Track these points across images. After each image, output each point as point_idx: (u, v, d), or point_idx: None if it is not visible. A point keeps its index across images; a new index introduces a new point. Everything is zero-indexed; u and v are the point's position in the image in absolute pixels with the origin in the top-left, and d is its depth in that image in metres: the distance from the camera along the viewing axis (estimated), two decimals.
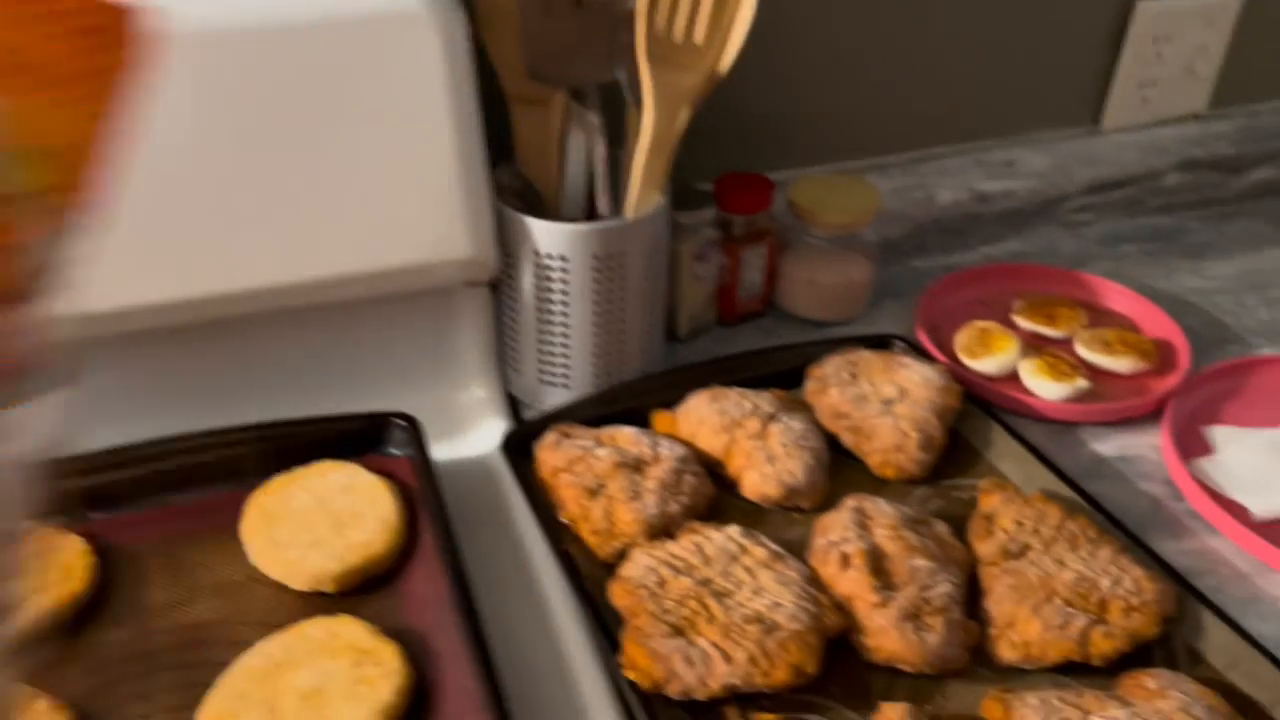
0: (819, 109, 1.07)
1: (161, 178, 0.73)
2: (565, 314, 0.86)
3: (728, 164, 1.02)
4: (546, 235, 0.83)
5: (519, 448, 0.84)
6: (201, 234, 0.76)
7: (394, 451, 0.81)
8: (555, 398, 0.91)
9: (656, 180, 0.85)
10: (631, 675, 0.65)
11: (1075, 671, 0.68)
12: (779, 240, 1.02)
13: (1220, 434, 0.89)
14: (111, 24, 0.31)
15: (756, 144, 1.06)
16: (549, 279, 0.84)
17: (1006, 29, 1.09)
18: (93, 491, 0.74)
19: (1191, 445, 0.89)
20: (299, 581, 0.69)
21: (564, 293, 0.85)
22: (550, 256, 0.83)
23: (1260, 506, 0.82)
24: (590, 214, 0.89)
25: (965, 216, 1.14)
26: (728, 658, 0.65)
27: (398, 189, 0.80)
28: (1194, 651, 0.70)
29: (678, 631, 0.67)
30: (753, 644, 0.66)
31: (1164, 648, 0.70)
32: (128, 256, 0.74)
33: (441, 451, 0.88)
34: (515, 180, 0.89)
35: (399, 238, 0.81)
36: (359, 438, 0.81)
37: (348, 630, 0.64)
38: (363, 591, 0.70)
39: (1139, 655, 0.69)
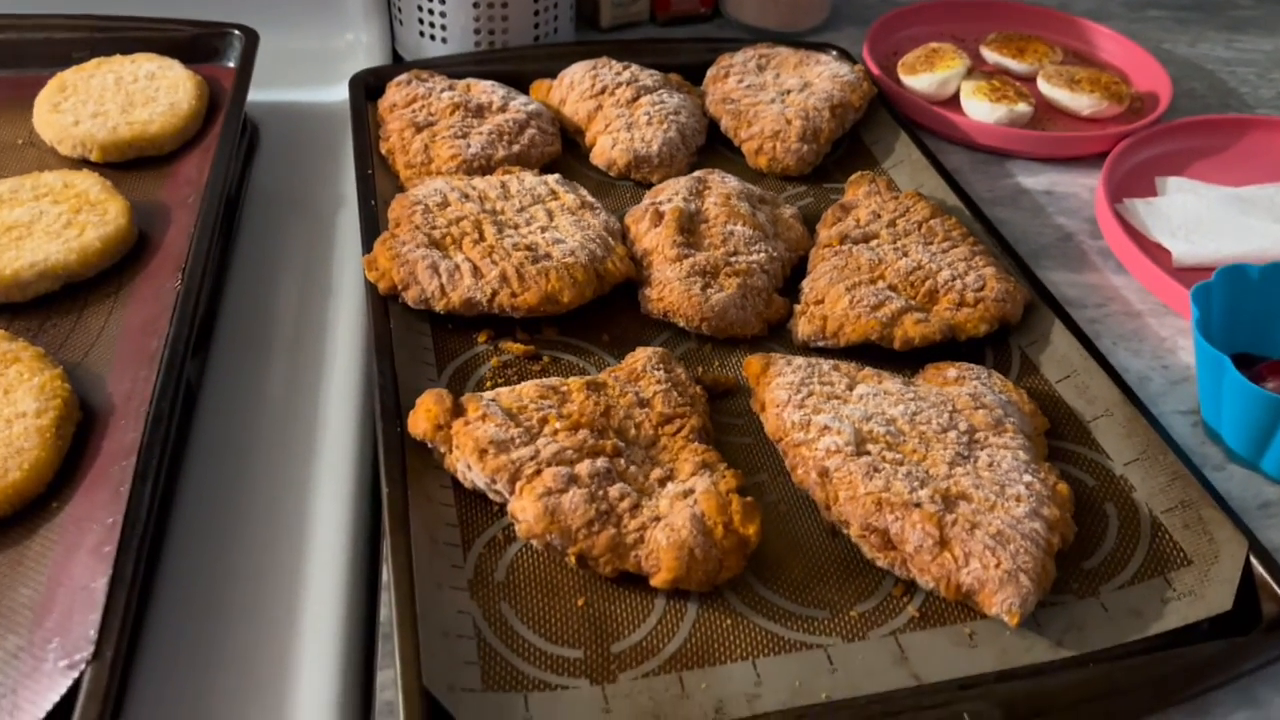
0: None
1: None
2: None
3: None
4: None
5: (375, 92, 0.77)
6: None
7: (229, 65, 0.76)
8: (434, 53, 0.84)
9: None
10: (370, 275, 0.59)
11: (883, 360, 0.59)
12: None
13: (1173, 183, 0.76)
14: None
15: None
16: None
17: None
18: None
19: (1135, 190, 0.76)
20: (66, 146, 0.65)
21: None
22: None
23: (1184, 251, 0.69)
24: None
25: None
26: (478, 274, 0.58)
27: None
28: (1030, 361, 0.60)
29: (437, 245, 0.60)
30: (511, 266, 0.59)
31: (998, 351, 0.60)
32: None
33: (307, 94, 0.83)
34: None
35: None
36: (196, 46, 0.76)
37: (83, 183, 0.60)
38: (132, 168, 0.66)
39: (964, 356, 0.59)
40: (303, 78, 0.83)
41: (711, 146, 0.77)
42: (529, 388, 0.52)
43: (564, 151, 0.75)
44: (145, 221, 0.61)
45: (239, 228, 0.68)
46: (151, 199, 0.63)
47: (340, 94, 0.78)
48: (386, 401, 0.52)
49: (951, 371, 0.56)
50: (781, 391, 0.53)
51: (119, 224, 0.57)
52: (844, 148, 0.77)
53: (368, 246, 0.61)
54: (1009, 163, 0.79)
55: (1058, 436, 0.55)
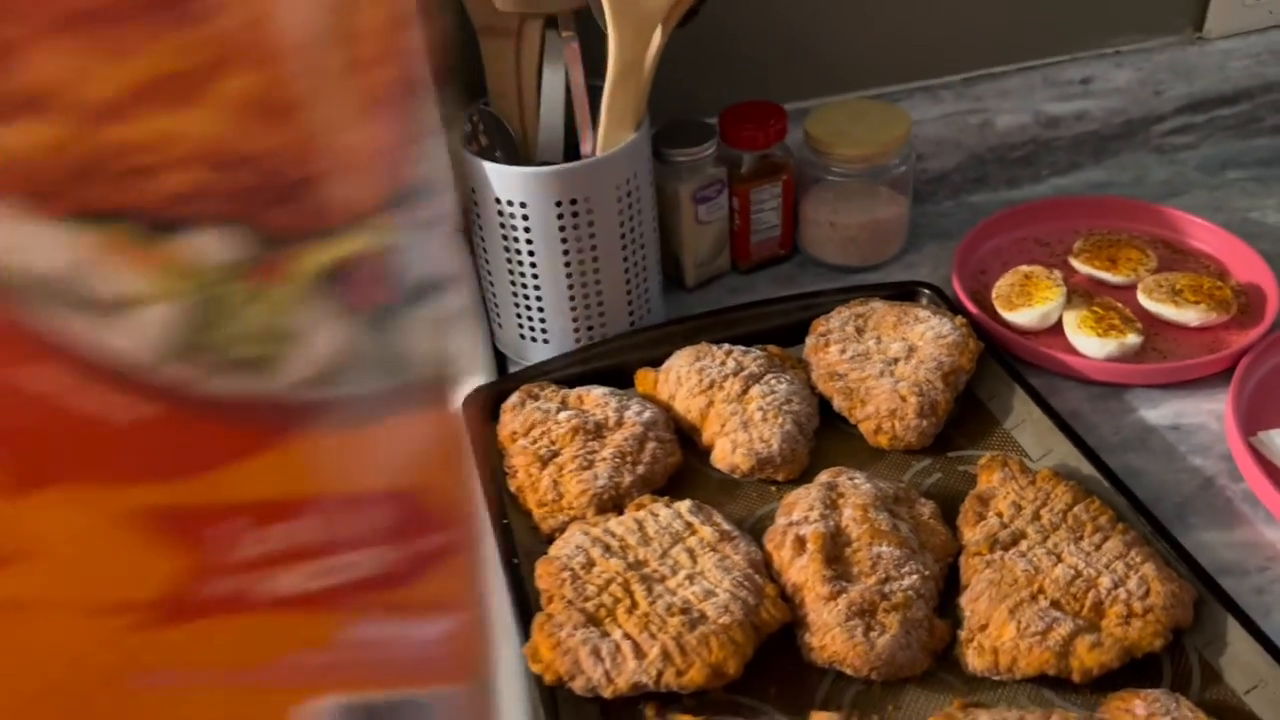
0: (850, 25, 0.94)
1: None
2: (534, 265, 0.79)
3: (745, 94, 0.92)
4: (502, 180, 0.76)
5: (490, 408, 0.79)
6: None
7: None
8: (537, 353, 0.85)
9: (628, 113, 0.77)
10: (535, 668, 0.59)
11: (1060, 686, 0.58)
12: (797, 178, 0.92)
13: None
14: None
15: (778, 70, 0.95)
16: (513, 227, 0.78)
17: None
18: None
19: (1267, 413, 0.75)
20: None
21: (529, 242, 0.78)
22: (510, 203, 0.77)
23: None
24: (574, 156, 0.82)
25: (1030, 143, 1.00)
26: (640, 653, 0.58)
27: None
28: (1211, 668, 0.58)
29: (593, 621, 0.60)
30: (670, 638, 0.59)
31: (1176, 661, 0.59)
32: None
33: None
34: (487, 121, 0.82)
35: None
36: None
37: None
38: None
39: (1141, 669, 0.58)
40: None
41: (827, 421, 0.77)
42: None
43: (684, 450, 0.75)
44: None
45: None
46: None
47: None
48: None
49: (1139, 706, 0.55)
50: None
51: None
52: (960, 406, 0.77)
53: (523, 624, 0.62)
54: (1127, 394, 0.78)
55: None
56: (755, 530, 0.69)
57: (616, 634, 0.60)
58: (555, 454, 0.73)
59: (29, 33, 0.22)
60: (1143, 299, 0.84)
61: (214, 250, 0.25)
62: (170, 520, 0.24)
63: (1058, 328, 0.82)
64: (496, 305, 0.85)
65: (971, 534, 0.65)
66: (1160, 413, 0.77)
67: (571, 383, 0.80)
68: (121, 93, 0.23)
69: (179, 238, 0.24)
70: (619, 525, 0.67)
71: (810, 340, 0.81)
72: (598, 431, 0.74)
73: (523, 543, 0.69)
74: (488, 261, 0.82)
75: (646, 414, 0.75)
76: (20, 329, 0.22)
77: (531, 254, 0.79)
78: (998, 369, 0.78)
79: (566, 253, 0.78)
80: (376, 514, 0.26)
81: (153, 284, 0.24)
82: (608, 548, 0.65)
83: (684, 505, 0.68)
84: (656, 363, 0.81)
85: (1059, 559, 0.62)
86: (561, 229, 0.77)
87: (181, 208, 0.24)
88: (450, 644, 0.28)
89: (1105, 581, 0.60)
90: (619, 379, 0.80)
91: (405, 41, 0.29)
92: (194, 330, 0.24)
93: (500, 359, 0.89)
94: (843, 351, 0.79)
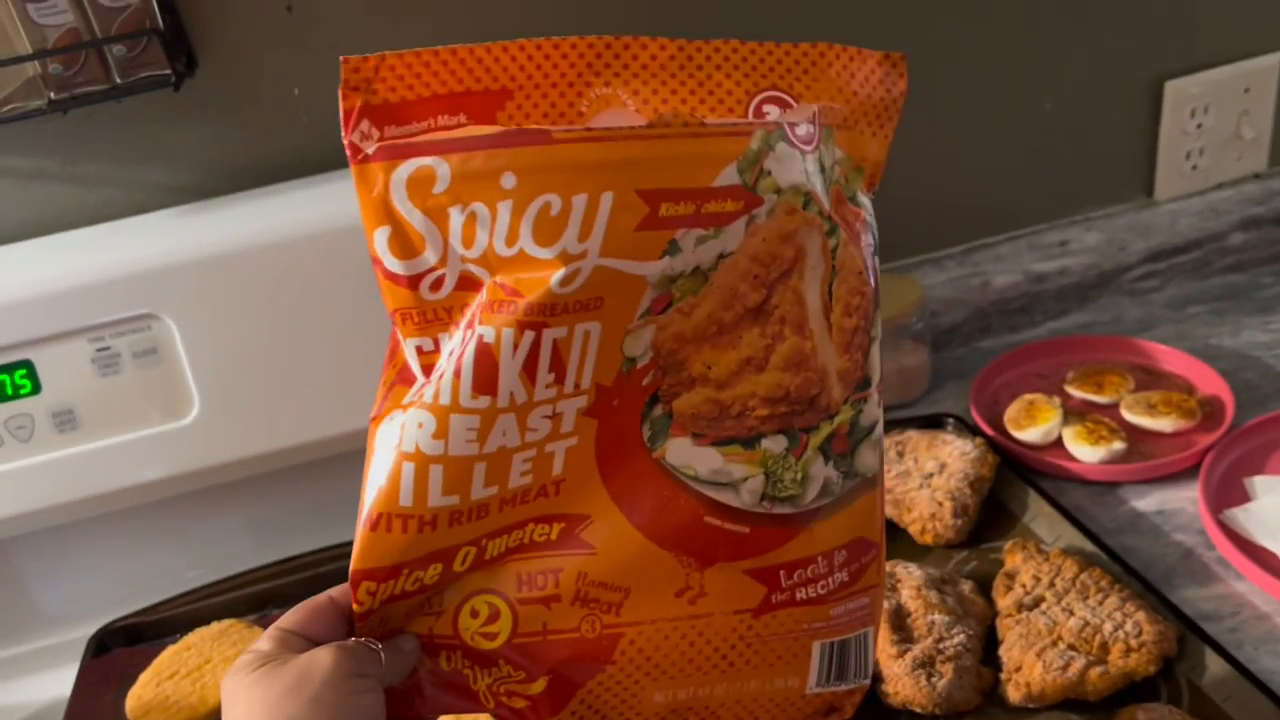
0: None
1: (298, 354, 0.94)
2: None
3: None
4: None
5: None
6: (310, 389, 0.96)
7: None
8: None
9: None
10: None
11: (1083, 708, 0.76)
12: None
13: (1261, 483, 0.94)
14: (898, 65, 0.59)
15: None
16: None
17: (1043, 116, 1.18)
18: (271, 593, 0.95)
19: (1231, 496, 0.94)
20: None
21: None
22: None
23: None
24: None
25: (1024, 296, 1.23)
26: None
27: None
28: (1194, 686, 0.76)
29: None
30: None
31: (1169, 683, 0.77)
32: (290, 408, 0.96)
33: None
34: None
35: None
36: None
37: None
38: None
39: (1145, 689, 0.76)
40: None
41: None
42: None
43: None
44: None
45: None
46: None
47: None
48: None
49: (1141, 715, 0.73)
50: None
51: None
52: (986, 508, 0.96)
53: None
54: (1120, 489, 0.98)
55: None
56: None
57: None
58: None
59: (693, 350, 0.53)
60: (1125, 414, 1.04)
61: (776, 446, 0.55)
62: (761, 572, 0.58)
63: (1059, 441, 1.03)
64: None
65: (1003, 601, 0.84)
66: (1147, 501, 0.96)
67: None
68: (732, 369, 0.52)
69: (760, 444, 0.56)
70: None
71: None
72: None
73: None
74: None
75: None
76: (687, 493, 0.55)
77: None
78: (1013, 477, 0.98)
79: None
80: (840, 555, 0.59)
81: (750, 469, 0.55)
82: None
83: None
84: None
85: (1071, 613, 0.81)
86: None
87: (759, 428, 0.54)
88: (870, 606, 0.62)
89: (1108, 627, 0.79)
90: None
91: (862, 301, 0.57)
92: (768, 487, 0.55)
93: None
94: (888, 471, 0.99)
